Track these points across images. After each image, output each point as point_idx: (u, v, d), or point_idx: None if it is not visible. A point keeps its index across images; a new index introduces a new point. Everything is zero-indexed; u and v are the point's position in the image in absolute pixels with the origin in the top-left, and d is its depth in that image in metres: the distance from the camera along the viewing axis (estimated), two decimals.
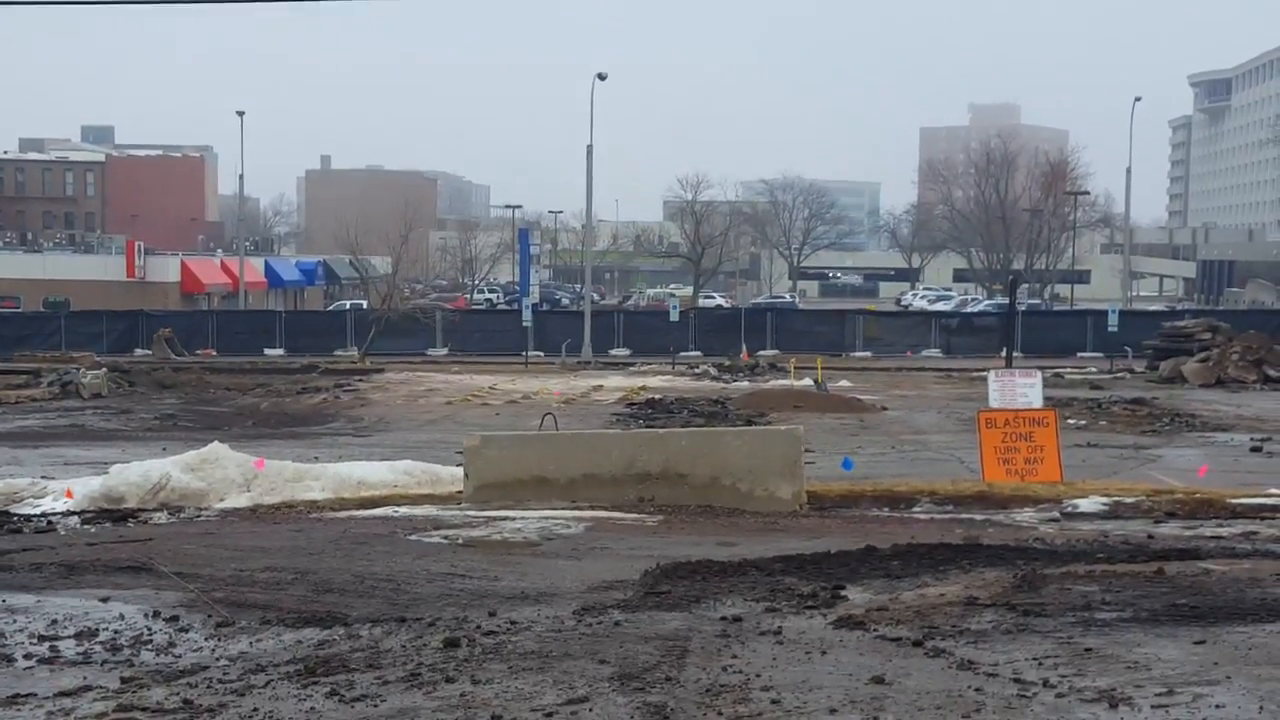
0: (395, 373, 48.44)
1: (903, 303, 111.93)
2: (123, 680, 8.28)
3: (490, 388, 42.03)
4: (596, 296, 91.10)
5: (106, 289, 76.84)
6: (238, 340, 60.10)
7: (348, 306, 77.74)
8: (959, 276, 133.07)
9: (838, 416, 33.29)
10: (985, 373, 25.80)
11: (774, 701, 7.37)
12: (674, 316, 61.11)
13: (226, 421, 33.08)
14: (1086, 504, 17.07)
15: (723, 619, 9.60)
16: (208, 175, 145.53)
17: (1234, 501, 17.00)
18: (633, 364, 53.73)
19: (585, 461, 17.84)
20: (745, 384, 42.90)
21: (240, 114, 78.20)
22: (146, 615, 10.19)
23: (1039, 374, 22.89)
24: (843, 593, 10.57)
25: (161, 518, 17.32)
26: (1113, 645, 8.47)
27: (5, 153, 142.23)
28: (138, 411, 35.63)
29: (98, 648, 9.18)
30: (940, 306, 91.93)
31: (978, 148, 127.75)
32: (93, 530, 16.03)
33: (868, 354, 57.08)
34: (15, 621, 9.97)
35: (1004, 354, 49.87)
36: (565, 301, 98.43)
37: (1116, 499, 17.36)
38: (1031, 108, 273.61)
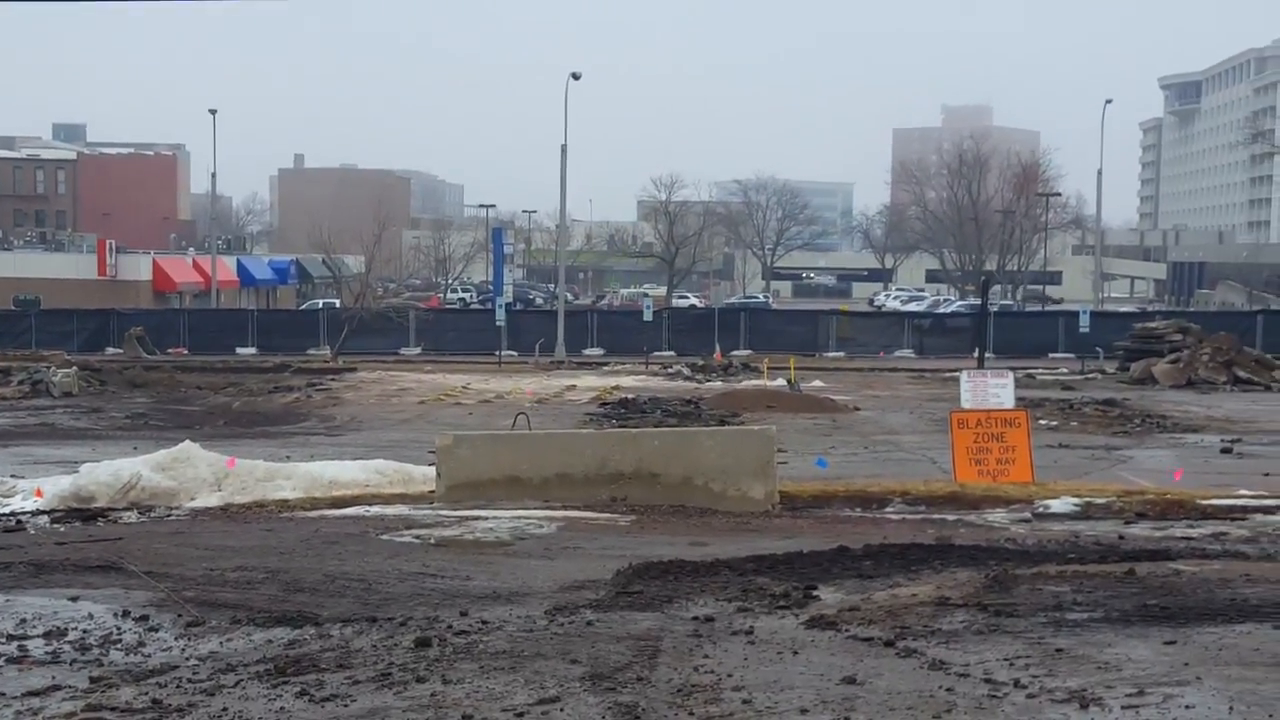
0: (368, 372, 48.32)
1: (876, 303, 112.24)
2: (91, 680, 8.24)
3: (463, 387, 41.96)
4: (570, 296, 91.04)
5: (77, 287, 76.42)
6: (210, 339, 59.86)
7: (320, 305, 77.50)
8: (932, 277, 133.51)
9: (810, 417, 33.34)
10: (957, 373, 25.86)
11: (745, 701, 7.37)
12: (648, 316, 61.13)
13: (198, 420, 32.94)
14: (1058, 505, 17.13)
15: (695, 619, 9.60)
16: (180, 173, 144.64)
17: (1204, 503, 17.07)
18: (606, 364, 53.72)
19: (558, 461, 17.82)
20: (718, 384, 42.94)
21: (213, 112, 77.86)
22: (116, 615, 10.13)
23: (1011, 375, 22.98)
24: (815, 593, 10.58)
25: (132, 517, 17.22)
26: (1083, 646, 8.50)
27: None
28: (108, 410, 35.44)
29: (66, 647, 9.13)
30: (913, 307, 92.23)
31: (950, 149, 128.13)
32: (62, 529, 15.93)
33: (841, 354, 57.21)
34: None
35: (976, 354, 50.15)
36: (539, 301, 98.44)
37: (1088, 500, 17.42)
38: (1004, 109, 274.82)
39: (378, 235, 63.28)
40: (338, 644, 9.03)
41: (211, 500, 18.45)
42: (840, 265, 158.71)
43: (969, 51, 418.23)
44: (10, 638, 9.40)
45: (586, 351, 58.24)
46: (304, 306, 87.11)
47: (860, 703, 7.32)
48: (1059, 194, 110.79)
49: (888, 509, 17.51)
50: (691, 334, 59.48)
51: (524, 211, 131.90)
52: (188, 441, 20.38)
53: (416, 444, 25.74)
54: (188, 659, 8.79)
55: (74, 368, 42.44)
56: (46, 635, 9.46)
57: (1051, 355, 55.70)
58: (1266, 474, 22.27)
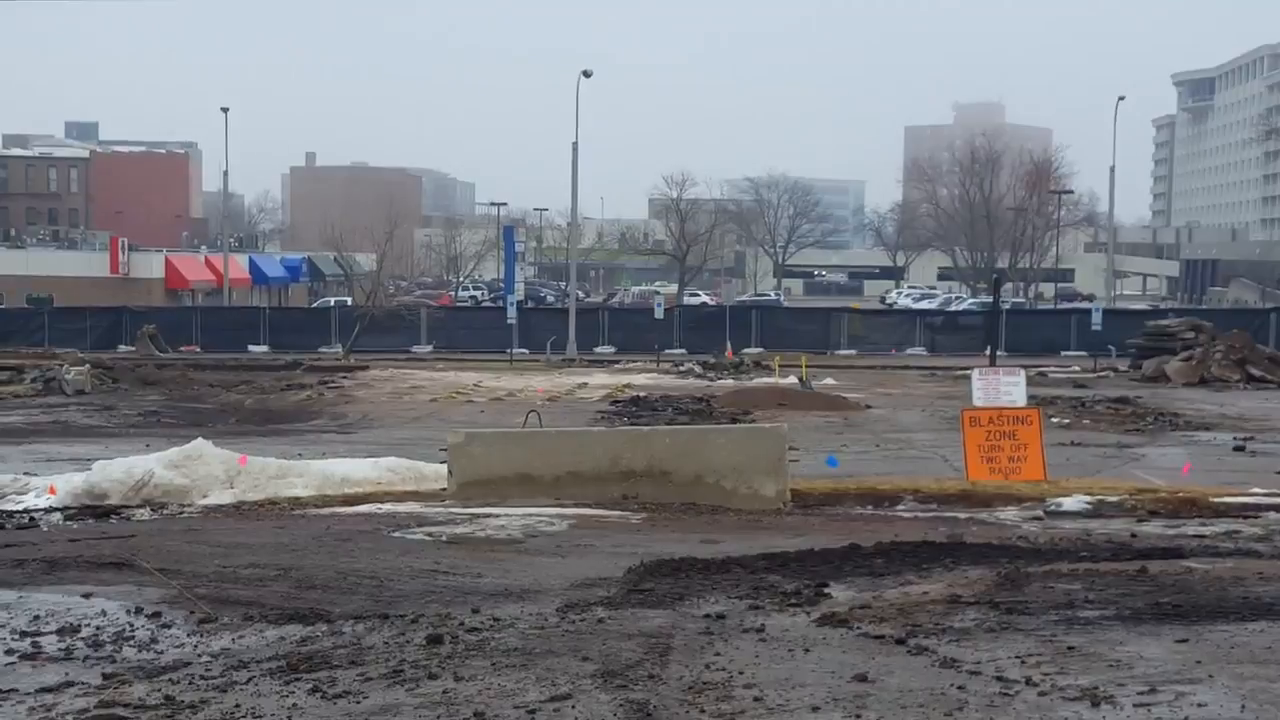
0: (380, 370, 48.35)
1: (887, 301, 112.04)
2: (105, 676, 8.26)
3: (475, 385, 41.99)
4: (581, 294, 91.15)
5: (90, 285, 76.56)
6: (222, 337, 59.94)
7: (332, 303, 77.61)
8: (943, 275, 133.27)
9: (822, 414, 33.31)
10: (969, 371, 25.80)
11: (757, 699, 7.37)
12: (659, 314, 61.09)
13: (210, 418, 32.97)
14: (1070, 503, 17.10)
15: (706, 616, 9.60)
16: (192, 172, 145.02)
17: (1217, 500, 17.05)
18: (617, 361, 53.71)
19: (569, 459, 17.83)
20: (730, 382, 42.90)
21: (225, 110, 77.98)
22: (129, 611, 10.16)
23: (1023, 372, 22.93)
24: (826, 591, 10.58)
25: (144, 514, 17.26)
26: (1095, 643, 8.49)
27: None
28: (121, 408, 35.50)
29: (80, 644, 9.16)
30: (925, 305, 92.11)
31: (962, 146, 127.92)
32: (75, 526, 15.98)
33: (852, 352, 57.13)
34: None
35: (988, 352, 49.98)
36: (550, 299, 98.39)
37: (1100, 498, 17.39)
38: (1016, 107, 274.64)
39: (389, 233, 63.33)
40: (350, 641, 9.05)
41: (224, 498, 18.48)
42: (852, 263, 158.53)
43: (981, 49, 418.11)
44: (24, 634, 9.43)
45: (598, 349, 58.24)
46: (316, 304, 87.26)
47: (872, 700, 7.32)
48: (1071, 191, 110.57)
49: (899, 507, 17.49)
50: (703, 332, 59.40)
51: (535, 209, 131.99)
52: (200, 439, 20.41)
53: (428, 442, 25.75)
54: (200, 656, 8.81)
55: (87, 365, 42.50)
56: (60, 632, 9.50)
57: (1064, 353, 55.56)
58: (1279, 472, 22.21)
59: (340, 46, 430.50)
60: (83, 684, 8.10)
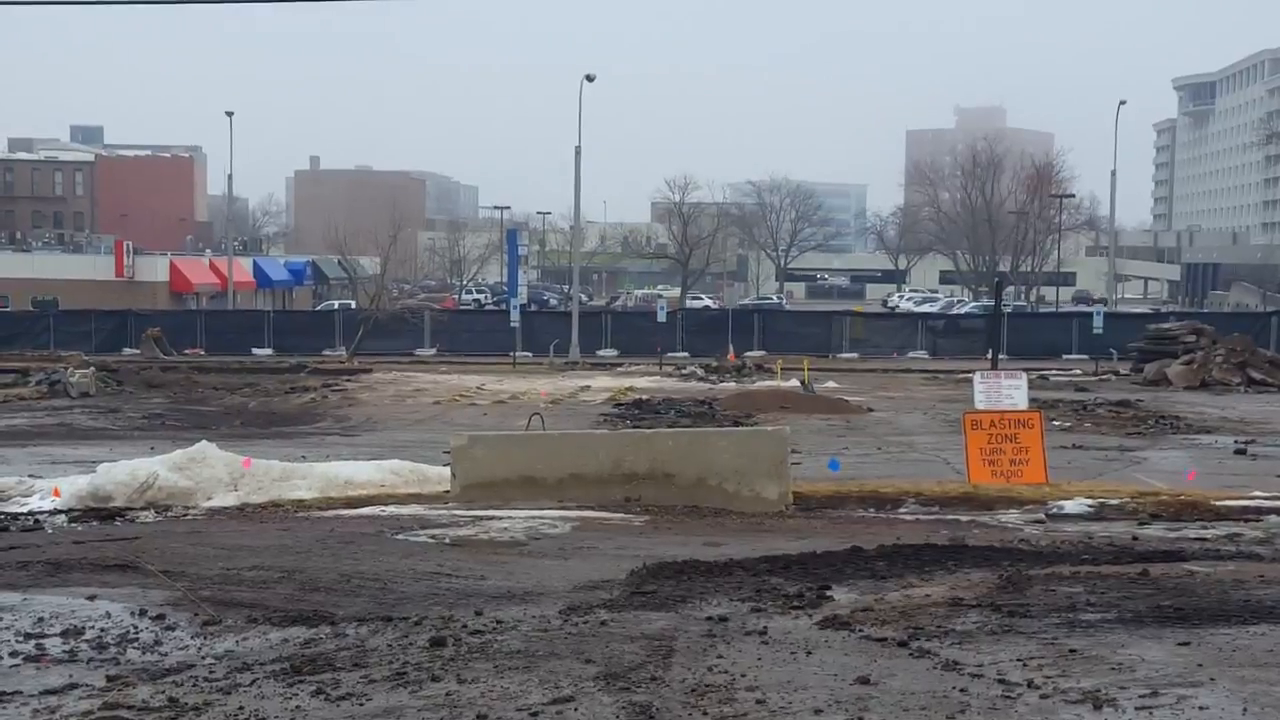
0: (383, 373, 48.38)
1: (889, 304, 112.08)
2: (109, 678, 8.28)
3: (478, 388, 42.01)
4: (584, 297, 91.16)
5: (95, 288, 76.64)
6: (226, 340, 59.99)
7: (336, 306, 77.65)
8: (945, 279, 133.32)
9: (824, 417, 33.32)
10: (971, 374, 25.84)
11: (759, 701, 7.39)
12: (661, 317, 61.14)
13: (214, 421, 33.02)
14: (1071, 505, 17.12)
15: (708, 619, 9.62)
16: (196, 175, 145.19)
17: (1218, 504, 17.06)
18: (620, 364, 53.73)
19: (572, 462, 17.85)
20: (732, 385, 42.92)
21: (229, 114, 78.01)
22: (133, 613, 10.18)
23: (1024, 376, 22.97)
24: (828, 593, 10.60)
25: (149, 516, 17.29)
26: (1097, 646, 8.51)
27: None
28: (125, 410, 35.54)
29: (84, 646, 9.18)
30: (926, 308, 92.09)
31: (964, 150, 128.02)
32: (80, 529, 16.01)
33: (854, 355, 57.13)
34: (1, 619, 9.96)
35: (990, 356, 50.06)
36: (553, 302, 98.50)
37: (1101, 501, 17.41)
38: (1017, 111, 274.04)
39: (393, 236, 63.53)
40: (353, 643, 9.07)
41: (228, 500, 18.52)
42: (854, 266, 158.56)
43: (982, 53, 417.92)
44: (28, 636, 9.45)
45: (601, 352, 58.27)
46: (320, 307, 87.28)
47: (874, 703, 7.34)
48: (1073, 195, 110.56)
49: (901, 509, 17.51)
50: (705, 335, 59.42)
51: (538, 213, 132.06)
52: (204, 442, 20.44)
53: (431, 444, 25.78)
54: (204, 658, 8.84)
55: (91, 368, 42.57)
56: (64, 634, 9.52)
57: (1065, 356, 55.55)
58: None
59: (344, 51, 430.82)
60: (87, 686, 8.12)
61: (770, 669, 8.10)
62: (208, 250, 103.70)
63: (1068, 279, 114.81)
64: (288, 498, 18.58)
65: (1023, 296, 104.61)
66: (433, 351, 58.71)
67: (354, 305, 71.48)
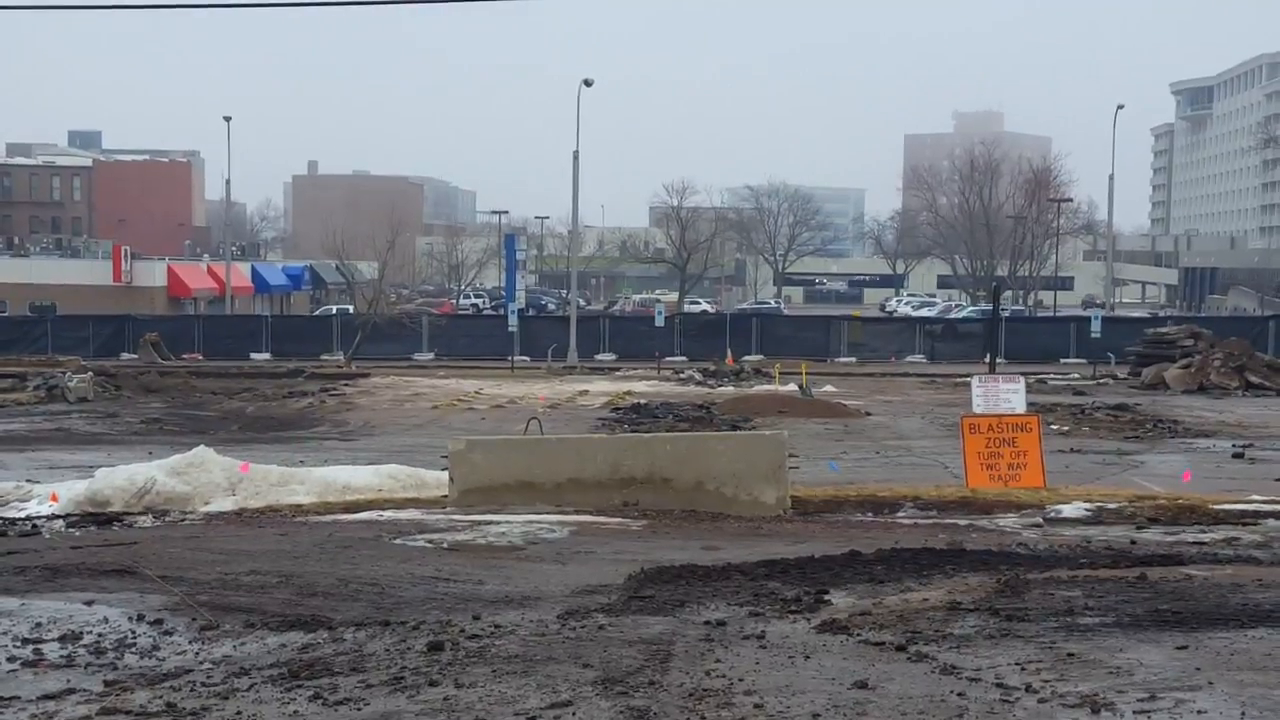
0: (381, 377, 48.38)
1: (887, 309, 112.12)
2: (106, 683, 8.28)
3: (476, 392, 42.02)
4: (583, 302, 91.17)
5: (93, 293, 76.65)
6: (224, 345, 60.03)
7: (334, 311, 77.69)
8: (943, 283, 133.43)
9: (822, 421, 33.33)
10: (969, 378, 25.85)
11: (757, 706, 7.39)
12: (659, 322, 61.23)
13: (212, 425, 33.03)
14: (1069, 509, 17.12)
15: (706, 623, 9.62)
16: (194, 180, 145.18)
17: (1216, 507, 17.07)
18: (618, 369, 53.75)
19: (570, 466, 17.85)
20: (730, 389, 42.93)
21: (227, 119, 78.10)
22: (131, 618, 10.17)
23: (1022, 380, 22.97)
24: (826, 597, 10.59)
25: (146, 521, 17.29)
26: (1095, 650, 8.51)
27: None
28: (124, 415, 35.54)
29: (82, 651, 9.17)
30: (924, 313, 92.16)
31: (962, 155, 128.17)
32: (77, 534, 15.99)
33: (852, 359, 57.18)
34: None
35: (988, 360, 50.11)
36: (551, 307, 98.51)
37: (1099, 504, 17.41)
38: (1015, 115, 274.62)
39: (391, 241, 63.46)
40: (351, 648, 9.06)
41: (226, 505, 18.52)
42: (852, 271, 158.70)
43: (980, 57, 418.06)
44: (26, 641, 9.44)
45: (599, 357, 58.30)
46: (318, 312, 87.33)
47: (872, 707, 7.34)
48: (1070, 199, 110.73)
49: (899, 514, 17.51)
50: (703, 339, 59.49)
51: (536, 217, 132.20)
52: (202, 446, 20.44)
53: (429, 449, 25.79)
54: (202, 663, 8.83)
55: (89, 373, 42.58)
56: (62, 639, 9.51)
57: (1063, 360, 55.63)
58: (1279, 479, 22.23)
59: (342, 56, 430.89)
60: (84, 691, 8.11)
61: (768, 673, 8.10)
62: (206, 255, 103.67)
63: (1066, 283, 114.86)
64: (285, 502, 18.58)
65: (1021, 301, 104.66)
66: (431, 356, 58.74)
67: (352, 310, 71.41)
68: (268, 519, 17.00)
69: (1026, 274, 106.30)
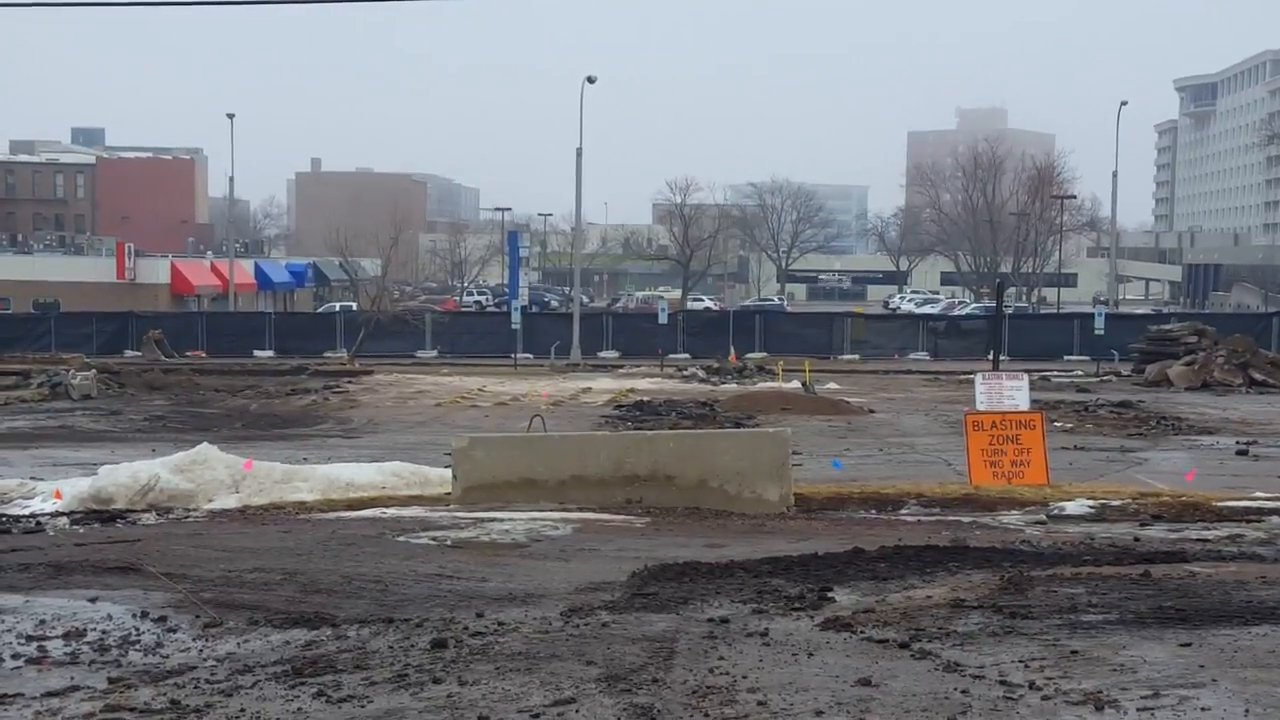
0: (384, 374, 48.40)
1: (890, 306, 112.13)
2: (110, 680, 8.28)
3: (479, 390, 42.02)
4: (586, 299, 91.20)
5: (96, 290, 76.63)
6: (227, 342, 60.04)
7: (337, 308, 77.71)
8: (946, 280, 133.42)
9: (825, 419, 33.32)
10: (972, 375, 25.84)
11: (760, 703, 7.39)
12: (663, 319, 61.18)
13: (216, 423, 33.04)
14: (1073, 506, 17.11)
15: (710, 620, 9.62)
16: (198, 177, 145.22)
17: (1220, 504, 17.05)
18: (621, 366, 53.75)
19: (573, 463, 17.85)
20: (733, 386, 42.93)
21: (230, 116, 78.13)
22: (134, 616, 10.18)
23: (1026, 377, 22.97)
24: (830, 594, 10.59)
25: (150, 519, 17.29)
26: (1099, 647, 8.51)
27: None
28: (127, 413, 35.56)
29: (85, 648, 9.18)
30: (928, 310, 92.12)
31: (965, 152, 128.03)
32: (81, 531, 16.00)
33: (855, 357, 57.15)
34: (3, 622, 9.96)
35: (991, 357, 50.09)
36: (554, 304, 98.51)
37: (1103, 502, 17.41)
38: (1018, 112, 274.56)
39: (394, 238, 63.63)
40: (354, 645, 9.07)
41: (229, 502, 18.53)
42: (855, 268, 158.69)
43: (984, 54, 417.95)
44: (30, 638, 9.45)
45: (602, 354, 58.29)
46: (321, 309, 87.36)
47: (875, 704, 7.33)
48: (1074, 196, 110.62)
49: (902, 511, 17.51)
50: (706, 336, 59.47)
51: (540, 214, 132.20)
52: (205, 444, 20.45)
53: (433, 446, 25.80)
54: (205, 660, 8.84)
55: (93, 370, 42.58)
56: (65, 636, 9.52)
57: (1066, 357, 55.57)
58: None
59: (346, 53, 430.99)
60: (88, 688, 8.12)
61: (772, 670, 8.10)
62: (209, 252, 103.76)
63: (1069, 280, 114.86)
64: (289, 500, 18.58)
65: (1024, 298, 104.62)
66: (434, 353, 58.75)
67: (355, 307, 71.49)
68: (271, 516, 17.01)
69: (1030, 271, 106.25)
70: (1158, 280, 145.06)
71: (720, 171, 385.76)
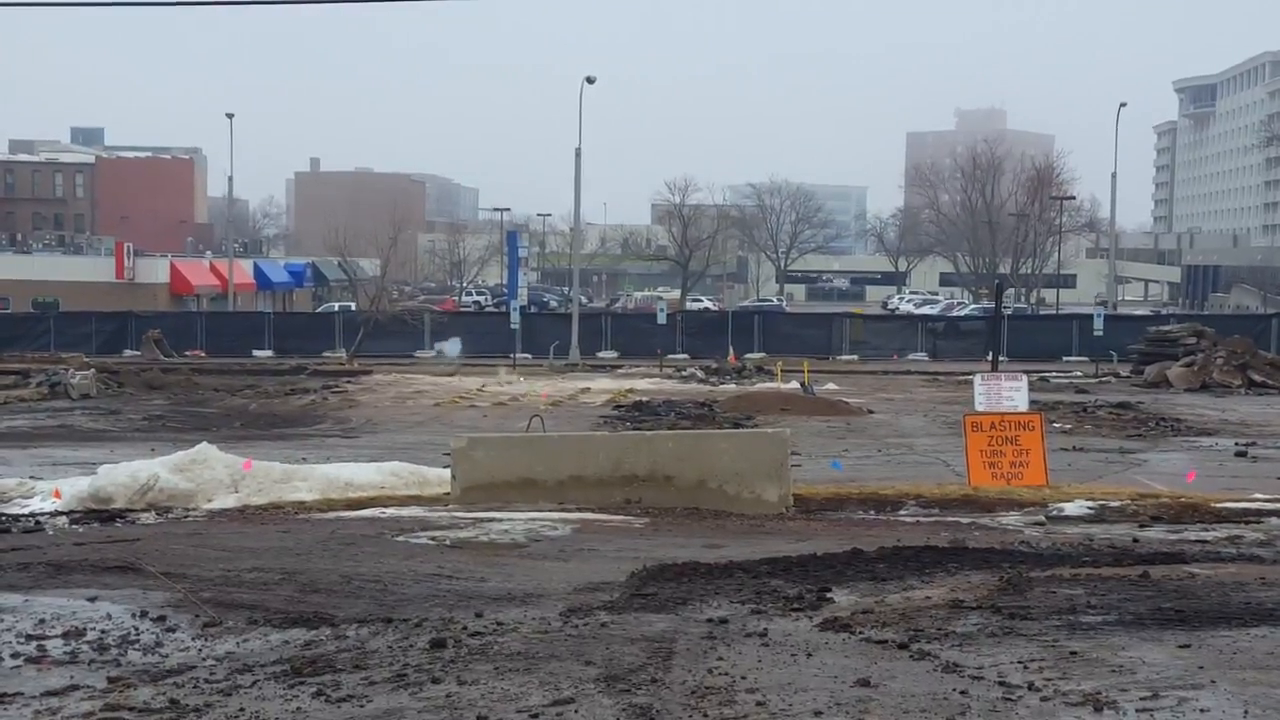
0: (383, 374, 48.39)
1: (889, 306, 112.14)
2: (109, 680, 8.29)
3: (478, 389, 42.02)
4: (584, 299, 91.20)
5: (96, 290, 76.59)
6: (226, 342, 60.03)
7: (336, 308, 77.71)
8: (945, 280, 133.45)
9: (824, 419, 33.32)
10: (971, 376, 25.85)
11: (759, 704, 7.39)
12: (661, 319, 61.19)
13: (215, 422, 33.03)
14: (1072, 508, 17.12)
15: (709, 621, 9.63)
16: (197, 177, 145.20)
17: (1219, 506, 17.06)
18: (620, 366, 53.74)
19: (572, 464, 17.86)
20: (732, 386, 42.93)
21: (229, 116, 78.10)
22: (134, 615, 10.19)
23: (1025, 378, 22.96)
24: (829, 595, 10.60)
25: (149, 518, 17.29)
26: (1098, 649, 8.51)
27: None
28: (126, 412, 35.55)
29: (85, 647, 9.18)
30: (926, 310, 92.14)
31: (964, 152, 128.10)
32: (81, 530, 16.00)
33: (854, 357, 57.15)
34: (3, 621, 9.96)
35: (990, 358, 50.08)
36: (553, 304, 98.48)
37: (1102, 503, 17.41)
38: (1017, 113, 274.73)
39: (393, 238, 63.61)
40: (354, 645, 9.07)
41: (228, 502, 18.52)
42: (854, 268, 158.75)
43: (983, 55, 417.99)
44: (29, 638, 9.45)
45: (601, 354, 58.30)
46: (320, 309, 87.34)
47: (874, 705, 7.34)
48: (1073, 197, 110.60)
49: (901, 512, 17.52)
50: (705, 337, 59.50)
51: (538, 215, 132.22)
52: (205, 443, 20.44)
53: (431, 446, 25.80)
54: (205, 659, 8.84)
55: (92, 370, 42.57)
56: (65, 635, 9.52)
57: (1065, 358, 55.62)
58: None
59: (345, 53, 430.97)
60: (87, 687, 8.12)
61: (771, 671, 8.11)
62: (208, 252, 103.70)
63: (1068, 281, 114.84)
64: (288, 499, 18.58)
65: (1023, 299, 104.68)
66: (433, 353, 58.74)
67: (354, 307, 71.45)
68: (270, 516, 17.01)
69: (1029, 272, 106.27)
70: (1157, 281, 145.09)
71: (719, 172, 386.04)
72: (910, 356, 58.05)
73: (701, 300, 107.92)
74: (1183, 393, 41.35)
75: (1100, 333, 56.51)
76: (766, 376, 46.07)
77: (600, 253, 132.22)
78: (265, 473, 19.76)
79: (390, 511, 16.98)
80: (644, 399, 38.02)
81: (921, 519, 16.87)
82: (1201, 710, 7.13)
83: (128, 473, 19.07)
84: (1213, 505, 17.09)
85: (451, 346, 56.73)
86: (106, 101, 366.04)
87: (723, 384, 44.37)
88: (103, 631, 9.65)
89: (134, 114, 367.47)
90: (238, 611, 10.31)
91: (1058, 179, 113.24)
